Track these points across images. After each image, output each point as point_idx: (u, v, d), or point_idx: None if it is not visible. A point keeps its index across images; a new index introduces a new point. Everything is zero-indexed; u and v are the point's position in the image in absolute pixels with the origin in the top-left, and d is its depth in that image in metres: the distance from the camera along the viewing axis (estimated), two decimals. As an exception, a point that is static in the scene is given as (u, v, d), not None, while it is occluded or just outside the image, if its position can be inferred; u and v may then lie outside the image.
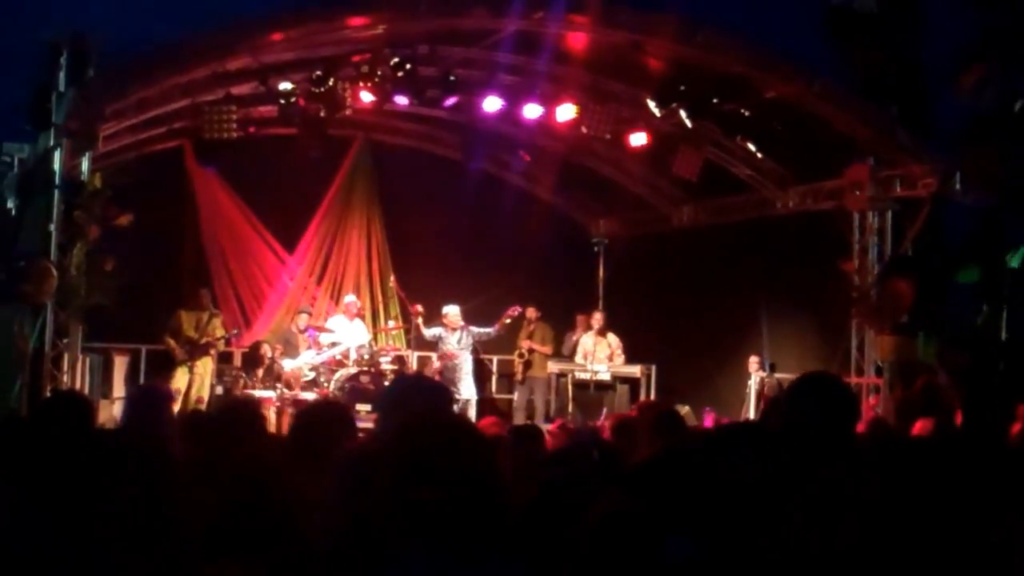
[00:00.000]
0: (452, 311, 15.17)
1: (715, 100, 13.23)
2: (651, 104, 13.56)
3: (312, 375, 14.85)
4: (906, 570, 2.74)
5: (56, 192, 11.56)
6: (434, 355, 15.53)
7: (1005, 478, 2.91)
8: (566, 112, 14.35)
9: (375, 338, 16.42)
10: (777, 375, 15.04)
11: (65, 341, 11.96)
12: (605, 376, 15.76)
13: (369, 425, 6.27)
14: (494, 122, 15.34)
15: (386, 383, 14.58)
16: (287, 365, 14.68)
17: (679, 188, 16.45)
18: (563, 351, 16.70)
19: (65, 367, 11.96)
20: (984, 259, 9.98)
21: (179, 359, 14.40)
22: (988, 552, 2.71)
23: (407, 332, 16.41)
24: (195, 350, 14.45)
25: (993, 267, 9.93)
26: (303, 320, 15.40)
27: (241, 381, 14.36)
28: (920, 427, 7.41)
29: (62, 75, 11.51)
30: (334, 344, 15.14)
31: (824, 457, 3.24)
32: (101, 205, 11.95)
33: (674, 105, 13.41)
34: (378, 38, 13.01)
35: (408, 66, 13.05)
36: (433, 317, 15.30)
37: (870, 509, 2.82)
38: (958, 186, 12.10)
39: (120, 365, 14.85)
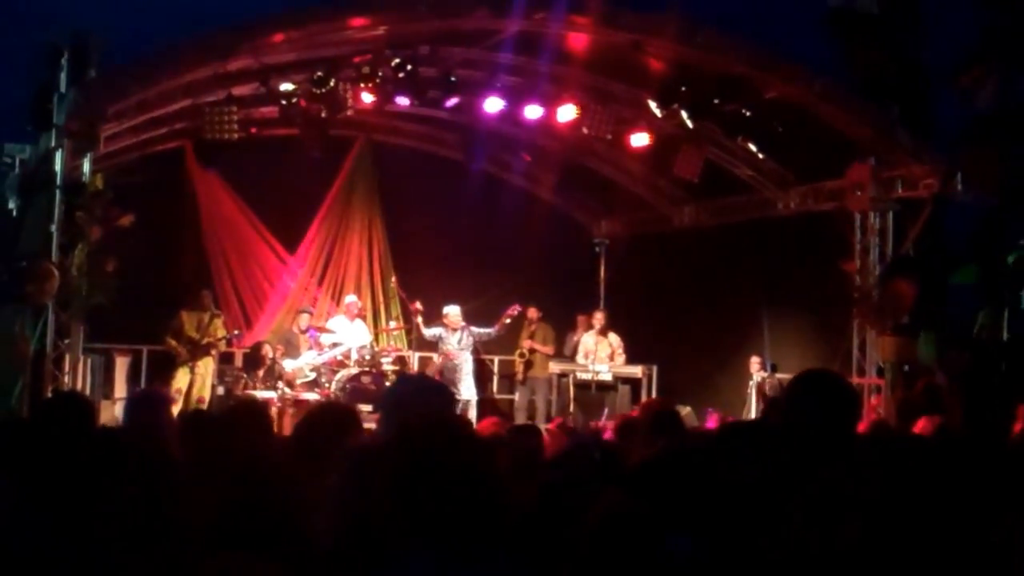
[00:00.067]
0: (453, 311, 15.17)
1: (716, 100, 13.22)
2: (652, 104, 13.57)
3: (313, 376, 14.86)
4: (907, 570, 2.74)
5: (57, 193, 11.57)
6: (435, 355, 15.52)
7: (1005, 478, 2.91)
8: (567, 113, 14.35)
9: (376, 338, 16.43)
10: (778, 375, 15.04)
11: (66, 342, 11.96)
12: (606, 376, 15.76)
13: (371, 425, 6.27)
14: (495, 123, 15.34)
15: (387, 383, 14.58)
16: (288, 366, 14.69)
17: (680, 188, 16.45)
18: (564, 351, 16.70)
19: (66, 368, 11.96)
20: (984, 259, 9.98)
21: (181, 359, 14.41)
22: (988, 552, 2.71)
23: (408, 333, 16.41)
24: (196, 350, 14.47)
25: (993, 267, 9.93)
26: (304, 320, 15.41)
27: (242, 381, 14.37)
28: (921, 427, 7.41)
29: (63, 76, 11.52)
30: (335, 345, 15.14)
31: (824, 455, 3.24)
32: (102, 206, 11.95)
33: (675, 105, 13.40)
34: (379, 39, 13.01)
35: (409, 67, 13.05)
36: (434, 317, 15.30)
37: (870, 509, 2.82)
38: (959, 187, 12.12)
39: (121, 366, 14.85)
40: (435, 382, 5.34)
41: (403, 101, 14.19)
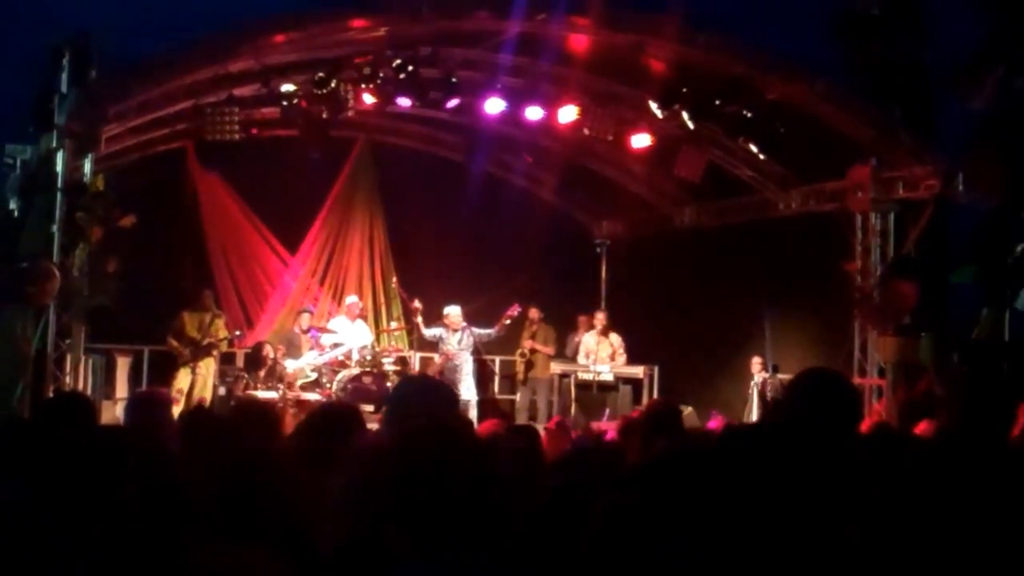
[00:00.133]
0: (453, 311, 15.16)
1: (717, 101, 13.22)
2: (653, 106, 13.56)
3: (314, 376, 14.87)
4: (907, 571, 2.74)
5: (58, 194, 11.57)
6: (436, 355, 15.52)
7: (1005, 479, 2.91)
8: (568, 113, 14.35)
9: (377, 339, 16.43)
10: (780, 376, 15.03)
11: (67, 342, 11.96)
12: (608, 377, 15.76)
13: (373, 425, 6.27)
14: (496, 124, 15.34)
15: (388, 384, 14.59)
16: (289, 366, 14.69)
17: (681, 189, 16.44)
18: (566, 352, 16.70)
19: (67, 368, 11.97)
20: (986, 260, 9.98)
21: (182, 360, 14.42)
22: (989, 552, 2.71)
23: (409, 333, 16.41)
24: (198, 351, 14.48)
25: (995, 268, 9.92)
26: (305, 321, 15.41)
27: (243, 382, 14.37)
28: (923, 429, 7.41)
29: (64, 77, 11.53)
30: (336, 345, 15.15)
31: (826, 455, 3.23)
32: (103, 206, 11.95)
33: (676, 106, 13.40)
34: (380, 40, 13.00)
35: (410, 68, 13.04)
36: (434, 318, 15.30)
37: (871, 510, 2.82)
38: (961, 187, 12.12)
39: (122, 366, 14.87)
40: (439, 383, 5.33)
41: (404, 102, 14.18)
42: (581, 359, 16.10)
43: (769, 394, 14.74)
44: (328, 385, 14.70)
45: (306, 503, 3.08)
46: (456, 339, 15.05)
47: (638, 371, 15.99)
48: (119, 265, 12.22)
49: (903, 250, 13.26)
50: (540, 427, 12.02)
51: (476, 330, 15.22)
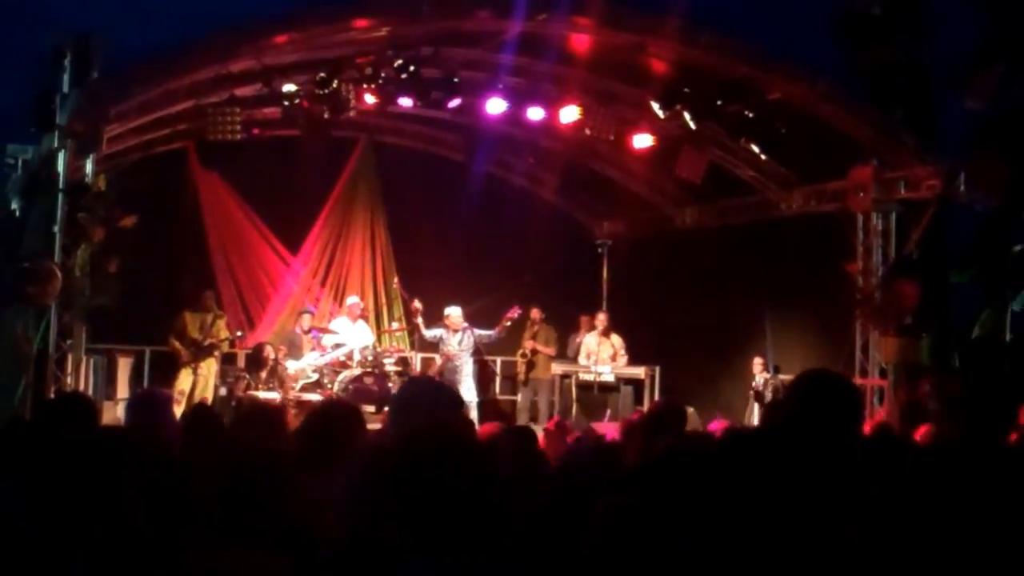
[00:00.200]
0: (454, 312, 15.14)
1: (719, 102, 13.21)
2: (655, 106, 13.56)
3: (316, 376, 14.87)
4: (907, 571, 2.74)
5: (60, 194, 11.57)
6: (437, 356, 15.52)
7: (1004, 481, 2.91)
8: (570, 114, 14.35)
9: (379, 339, 16.43)
10: (781, 376, 15.02)
11: (69, 342, 11.96)
12: (609, 377, 15.75)
13: (375, 426, 6.27)
14: (497, 124, 15.34)
15: (390, 384, 14.59)
16: (291, 366, 14.69)
17: (683, 190, 16.44)
18: (567, 352, 16.69)
19: (69, 368, 11.97)
20: (986, 260, 9.98)
21: (183, 361, 14.42)
22: (988, 553, 2.71)
23: (411, 334, 16.40)
24: (199, 352, 14.49)
25: (996, 268, 9.93)
26: (307, 321, 15.41)
27: (244, 382, 14.37)
28: (925, 430, 7.40)
29: (66, 77, 11.53)
30: (338, 345, 15.15)
31: (827, 456, 3.23)
32: (105, 207, 11.95)
33: (678, 107, 13.39)
34: (382, 40, 13.01)
35: (412, 68, 13.04)
36: (436, 318, 15.30)
37: (871, 511, 2.82)
38: (962, 188, 12.11)
39: (124, 366, 14.87)
40: (443, 385, 5.32)
41: (405, 102, 14.19)
42: (582, 360, 16.09)
43: (769, 394, 14.73)
44: (329, 386, 14.70)
45: (307, 503, 3.08)
46: (457, 340, 15.04)
47: (639, 372, 15.98)
48: (120, 265, 12.22)
49: (904, 251, 13.26)
50: (541, 428, 12.04)
51: (477, 331, 15.20)
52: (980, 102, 9.33)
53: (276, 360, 14.56)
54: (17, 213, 12.00)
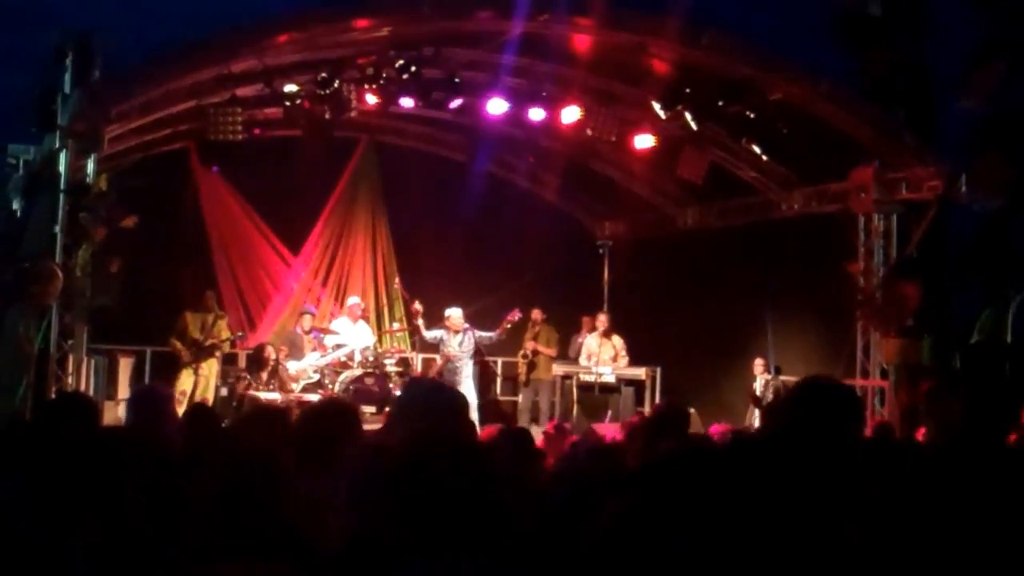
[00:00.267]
0: (455, 314, 15.13)
1: (720, 102, 13.21)
2: (656, 106, 13.55)
3: (317, 377, 14.87)
4: (907, 571, 2.73)
5: (61, 194, 11.57)
6: (438, 357, 15.52)
7: (1006, 481, 2.91)
8: (571, 114, 14.35)
9: (380, 340, 16.43)
10: (782, 377, 15.01)
11: (70, 343, 11.96)
12: (610, 378, 15.74)
13: (375, 426, 6.26)
14: (499, 124, 15.34)
15: (391, 385, 14.59)
16: (292, 367, 14.69)
17: (684, 190, 16.43)
18: (569, 353, 16.68)
19: (70, 368, 11.96)
20: (988, 262, 9.97)
21: (185, 361, 14.42)
22: (987, 554, 2.71)
23: (412, 334, 16.40)
24: (200, 352, 14.48)
25: (997, 269, 9.92)
26: (307, 322, 15.41)
27: (245, 383, 14.37)
28: (926, 431, 7.39)
29: (67, 77, 11.52)
30: (339, 346, 15.15)
31: (828, 461, 3.23)
32: (106, 207, 11.95)
33: (679, 107, 13.39)
34: (383, 40, 13.01)
35: (413, 68, 13.04)
36: (437, 319, 15.29)
37: (870, 511, 2.82)
38: (964, 189, 12.11)
39: (125, 367, 14.86)
40: (449, 388, 5.31)
41: (407, 102, 14.19)
42: (583, 361, 16.08)
43: (770, 395, 14.71)
44: (330, 386, 14.70)
45: (306, 503, 3.08)
46: (457, 341, 15.03)
47: (640, 372, 15.97)
48: (122, 265, 12.23)
49: (906, 251, 13.26)
50: (542, 428, 12.03)
51: (478, 333, 15.20)
52: (979, 103, 9.33)
53: (277, 360, 14.56)
54: (18, 213, 12.00)
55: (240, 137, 13.38)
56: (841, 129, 13.02)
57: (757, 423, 14.16)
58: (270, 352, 14.58)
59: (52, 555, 3.40)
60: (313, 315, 15.90)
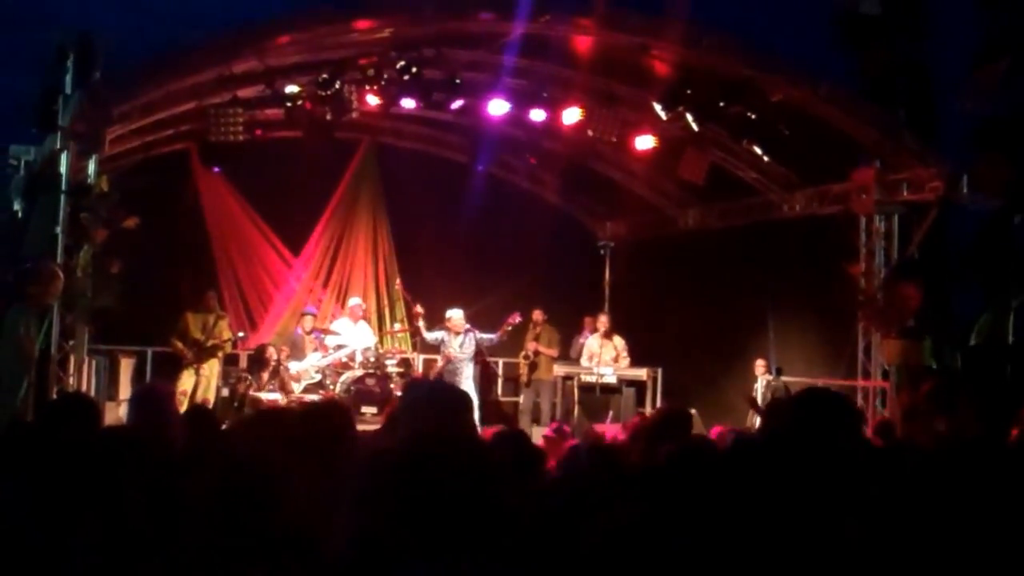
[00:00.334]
0: (456, 315, 15.14)
1: (721, 103, 13.21)
2: (657, 107, 13.55)
3: (318, 377, 14.87)
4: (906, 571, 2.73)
5: (62, 195, 11.56)
6: (439, 358, 15.52)
7: (1006, 482, 2.90)
8: (572, 115, 14.35)
9: (381, 341, 16.43)
10: (783, 378, 15.02)
11: (71, 343, 11.96)
12: (611, 379, 15.73)
13: (374, 427, 6.26)
14: (500, 125, 15.34)
15: (392, 386, 14.58)
16: (293, 367, 14.70)
17: (685, 191, 16.43)
18: (570, 354, 16.68)
19: (71, 369, 11.95)
20: (989, 262, 9.97)
21: (186, 362, 14.41)
22: (985, 555, 2.71)
23: (413, 335, 16.41)
24: (201, 352, 14.47)
25: (998, 270, 9.92)
26: (309, 322, 15.42)
27: (247, 383, 14.37)
28: (924, 432, 7.38)
29: (68, 77, 11.51)
30: (340, 347, 15.16)
31: (826, 465, 3.24)
32: (107, 207, 11.94)
33: (680, 108, 13.39)
34: (384, 41, 13.01)
35: (414, 69, 13.04)
36: (438, 320, 15.30)
37: (870, 512, 2.82)
38: (965, 190, 12.11)
39: (126, 367, 14.86)
40: (452, 387, 5.30)
41: (408, 103, 14.18)
42: (584, 362, 16.08)
43: (770, 395, 14.71)
44: (331, 387, 14.71)
45: (304, 504, 3.07)
46: (458, 342, 15.03)
47: (641, 373, 15.97)
48: (123, 266, 12.22)
49: (907, 252, 13.26)
50: (543, 429, 12.03)
51: (479, 334, 15.20)
52: (980, 103, 9.33)
53: (278, 361, 14.57)
54: (19, 214, 11.99)
55: (241, 138, 13.39)
56: (842, 130, 13.02)
57: (758, 424, 14.16)
58: (271, 353, 14.59)
59: (52, 555, 3.40)
60: (314, 316, 15.90)
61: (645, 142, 14.79)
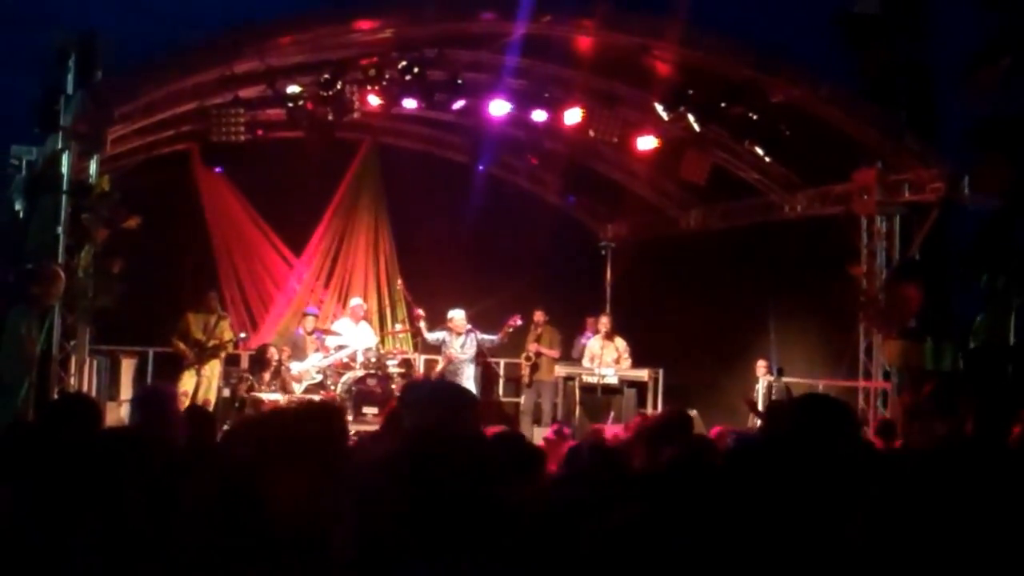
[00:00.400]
0: (457, 315, 15.15)
1: (723, 104, 13.21)
2: (658, 108, 13.55)
3: (319, 378, 14.87)
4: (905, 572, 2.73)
5: (64, 195, 11.57)
6: (440, 358, 15.53)
7: (1007, 483, 2.90)
8: (573, 115, 14.35)
9: (382, 341, 16.44)
10: (785, 379, 15.01)
11: (72, 343, 11.96)
12: (612, 380, 15.72)
13: (375, 428, 6.26)
14: (501, 126, 15.34)
15: (393, 386, 14.58)
16: (294, 368, 14.70)
17: (687, 192, 16.43)
18: (572, 354, 16.67)
19: (72, 369, 11.96)
20: (990, 263, 9.96)
21: (187, 363, 14.40)
22: (984, 556, 2.70)
23: (414, 335, 16.42)
24: (203, 353, 14.46)
25: (999, 271, 9.91)
26: (310, 323, 15.42)
27: (248, 384, 14.37)
28: (924, 433, 7.38)
29: (70, 77, 11.53)
30: (341, 347, 15.16)
31: (825, 467, 3.24)
32: (109, 208, 11.94)
33: (682, 109, 13.39)
34: (386, 41, 13.01)
35: (416, 69, 13.04)
36: (440, 320, 15.29)
37: (870, 511, 2.82)
38: (966, 191, 12.11)
39: (127, 368, 14.87)
40: (456, 386, 5.30)
41: (410, 104, 14.18)
42: (586, 363, 16.08)
43: (772, 395, 14.70)
44: (332, 387, 14.71)
45: (302, 504, 3.07)
46: (459, 343, 15.03)
47: (643, 374, 15.95)
48: (124, 266, 12.22)
49: (908, 253, 13.26)
50: (544, 430, 12.03)
51: (480, 335, 15.19)
52: (981, 102, 9.32)
53: (280, 361, 14.57)
54: (21, 214, 12.01)
55: (243, 138, 13.38)
56: (843, 131, 13.02)
57: (758, 425, 14.16)
58: (272, 353, 14.60)
59: (52, 555, 3.40)
60: (316, 317, 15.91)
61: (646, 143, 14.79)
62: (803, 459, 3.24)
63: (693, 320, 16.06)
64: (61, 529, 3.44)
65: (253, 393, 14.17)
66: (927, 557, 2.78)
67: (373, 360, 15.10)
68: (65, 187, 11.59)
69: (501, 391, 17.69)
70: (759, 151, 14.04)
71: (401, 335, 17.14)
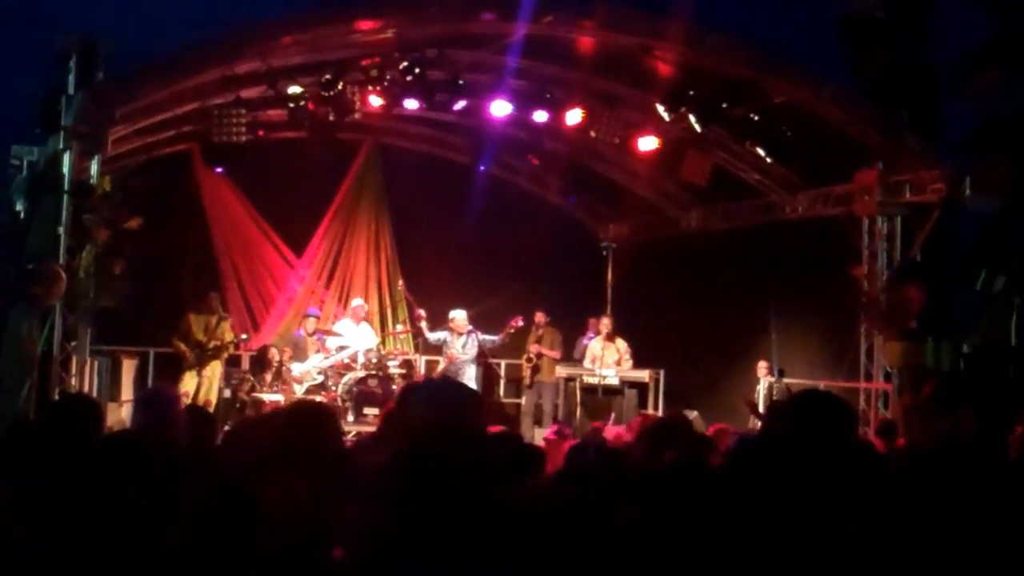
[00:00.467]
0: (459, 316, 15.15)
1: (724, 104, 13.20)
2: (660, 108, 13.55)
3: (320, 379, 14.87)
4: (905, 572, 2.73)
5: (65, 195, 11.58)
6: (441, 359, 15.53)
7: (1007, 484, 2.90)
8: (574, 116, 14.34)
9: (383, 342, 16.43)
10: (786, 380, 15.01)
11: (73, 344, 11.97)
12: (613, 380, 15.71)
13: (372, 428, 6.26)
14: (502, 126, 15.34)
15: (394, 387, 14.57)
16: (295, 369, 14.69)
17: (688, 192, 16.43)
18: (574, 355, 16.67)
19: (73, 370, 11.97)
20: (991, 263, 9.96)
21: (188, 363, 14.39)
22: (990, 557, 2.70)
23: (415, 336, 16.41)
24: (204, 354, 14.45)
25: (999, 271, 9.91)
26: (311, 324, 15.42)
27: (249, 385, 14.37)
28: (923, 433, 7.38)
29: (71, 78, 11.53)
30: (342, 348, 15.15)
31: (825, 464, 3.24)
32: (110, 208, 11.96)
33: (683, 109, 13.38)
34: (387, 42, 13.01)
35: (417, 70, 13.04)
36: (441, 321, 15.29)
37: (871, 511, 2.82)
38: (968, 191, 12.10)
39: (128, 368, 14.87)
40: (457, 383, 5.28)
41: (411, 104, 14.17)
42: (587, 364, 16.07)
43: (774, 395, 14.70)
44: (333, 388, 14.70)
45: (300, 504, 3.07)
46: (461, 343, 15.03)
47: (644, 375, 15.94)
48: (125, 267, 12.23)
49: (909, 254, 13.25)
50: (545, 431, 12.03)
51: (481, 335, 15.19)
52: (982, 103, 9.33)
53: (280, 362, 14.58)
54: (22, 214, 12.01)
55: (244, 139, 13.39)
56: (845, 131, 13.01)
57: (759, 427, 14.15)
58: (274, 354, 14.60)
59: (52, 555, 3.40)
60: (317, 318, 15.91)
61: (647, 143, 14.78)
62: (802, 458, 3.24)
63: (694, 321, 16.06)
64: (61, 529, 3.44)
65: (254, 394, 14.17)
66: (927, 557, 2.78)
67: (374, 361, 15.09)
68: (66, 187, 11.59)
69: (502, 392, 17.69)
70: (760, 152, 14.03)
71: (402, 336, 17.14)
